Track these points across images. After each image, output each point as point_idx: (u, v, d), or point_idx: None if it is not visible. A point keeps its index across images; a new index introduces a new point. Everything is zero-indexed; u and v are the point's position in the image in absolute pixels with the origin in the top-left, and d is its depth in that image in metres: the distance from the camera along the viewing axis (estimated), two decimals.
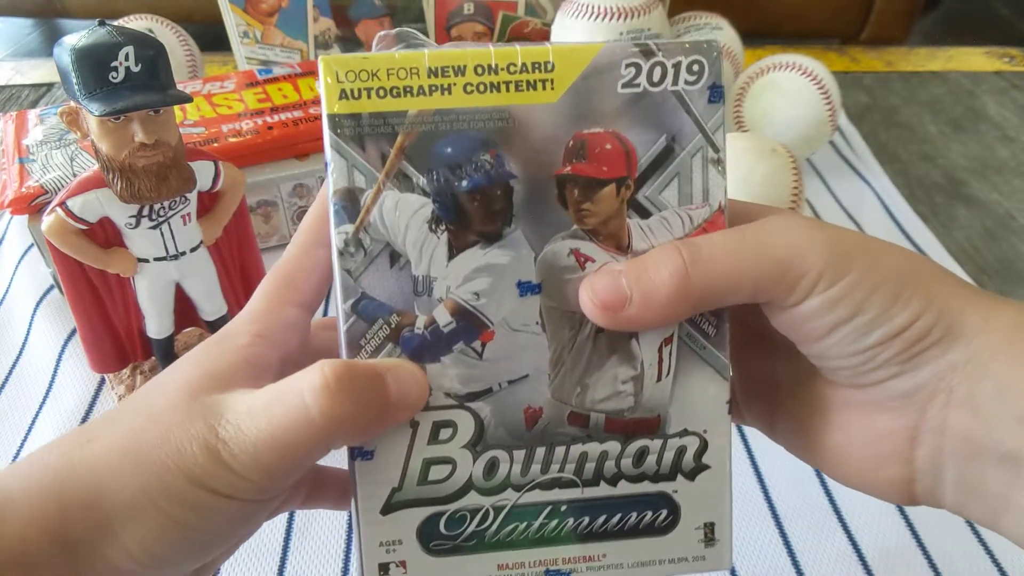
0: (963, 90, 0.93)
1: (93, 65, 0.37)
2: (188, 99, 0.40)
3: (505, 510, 0.25)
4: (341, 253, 0.24)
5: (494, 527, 0.25)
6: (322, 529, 0.43)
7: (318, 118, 0.62)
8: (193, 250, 0.45)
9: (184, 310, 0.48)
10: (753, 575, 0.41)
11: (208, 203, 0.46)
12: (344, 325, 0.24)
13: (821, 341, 0.23)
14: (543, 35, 0.77)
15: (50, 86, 0.90)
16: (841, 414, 0.25)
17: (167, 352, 0.49)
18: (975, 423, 0.22)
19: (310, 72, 0.69)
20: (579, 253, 0.24)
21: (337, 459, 0.24)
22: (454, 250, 0.24)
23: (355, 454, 0.24)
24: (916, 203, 0.72)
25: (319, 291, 0.25)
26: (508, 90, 0.23)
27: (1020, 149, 0.81)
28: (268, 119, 0.61)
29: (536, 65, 0.23)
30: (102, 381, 0.52)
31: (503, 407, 0.24)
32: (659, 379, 0.25)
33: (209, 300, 0.48)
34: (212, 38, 0.85)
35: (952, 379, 0.22)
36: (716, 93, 0.24)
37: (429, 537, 0.25)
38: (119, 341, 0.48)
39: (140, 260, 0.44)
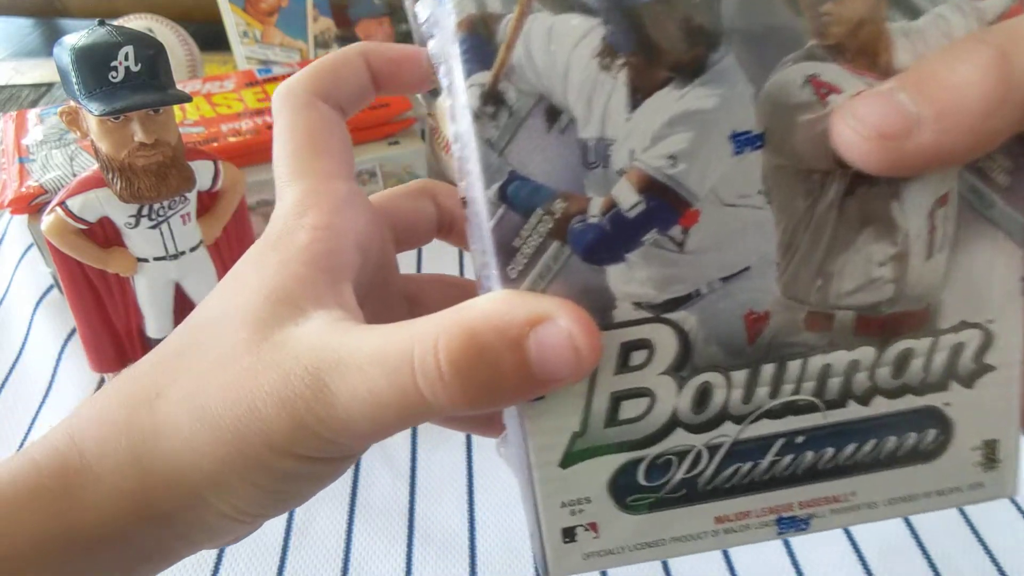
0: None
1: (93, 65, 0.37)
2: (188, 99, 0.40)
3: (723, 449, 0.19)
4: (477, 115, 0.17)
5: (709, 471, 0.19)
6: (322, 529, 0.43)
7: None
8: (193, 250, 0.45)
9: (184, 310, 0.48)
10: (752, 574, 0.41)
11: (208, 203, 0.46)
12: (490, 221, 0.17)
13: None
14: None
15: (50, 86, 0.90)
16: None
17: None
18: None
19: None
20: (818, 81, 0.17)
21: None
22: (638, 95, 0.17)
23: None
24: None
25: (351, 154, 0.20)
26: None
27: None
28: (267, 119, 0.61)
29: None
30: (102, 381, 0.52)
31: (716, 316, 0.18)
32: (929, 255, 0.18)
33: None
34: (212, 37, 0.85)
35: None
36: None
37: (625, 491, 0.19)
38: (119, 341, 0.48)
39: (140, 260, 0.44)
